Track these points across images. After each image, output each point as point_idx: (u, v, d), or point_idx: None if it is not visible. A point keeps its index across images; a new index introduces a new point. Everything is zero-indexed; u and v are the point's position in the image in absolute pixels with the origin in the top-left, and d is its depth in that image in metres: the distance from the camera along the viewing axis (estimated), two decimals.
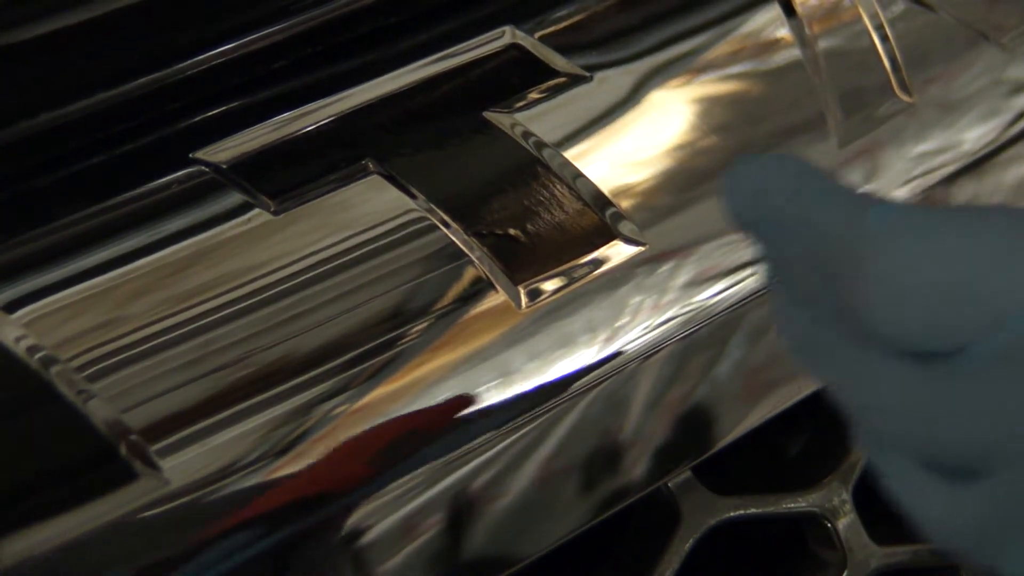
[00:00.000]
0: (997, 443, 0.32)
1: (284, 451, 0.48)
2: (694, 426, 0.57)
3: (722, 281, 0.57)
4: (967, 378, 0.32)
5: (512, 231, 0.55)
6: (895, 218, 0.33)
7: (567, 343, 0.54)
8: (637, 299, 0.56)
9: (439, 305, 0.52)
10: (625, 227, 0.56)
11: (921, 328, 0.32)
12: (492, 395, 0.52)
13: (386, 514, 0.50)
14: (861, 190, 0.35)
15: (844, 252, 0.33)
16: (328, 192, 0.54)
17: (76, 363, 0.48)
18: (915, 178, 0.64)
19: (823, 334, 0.35)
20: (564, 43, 0.62)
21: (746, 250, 0.57)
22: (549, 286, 0.54)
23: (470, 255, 0.53)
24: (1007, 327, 0.31)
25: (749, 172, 0.36)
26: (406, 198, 0.55)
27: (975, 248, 0.32)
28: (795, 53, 0.64)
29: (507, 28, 0.62)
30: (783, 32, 0.65)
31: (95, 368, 0.48)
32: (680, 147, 0.60)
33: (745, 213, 0.36)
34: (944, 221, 0.33)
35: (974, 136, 0.66)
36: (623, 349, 0.55)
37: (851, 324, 0.34)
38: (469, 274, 0.53)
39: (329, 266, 0.52)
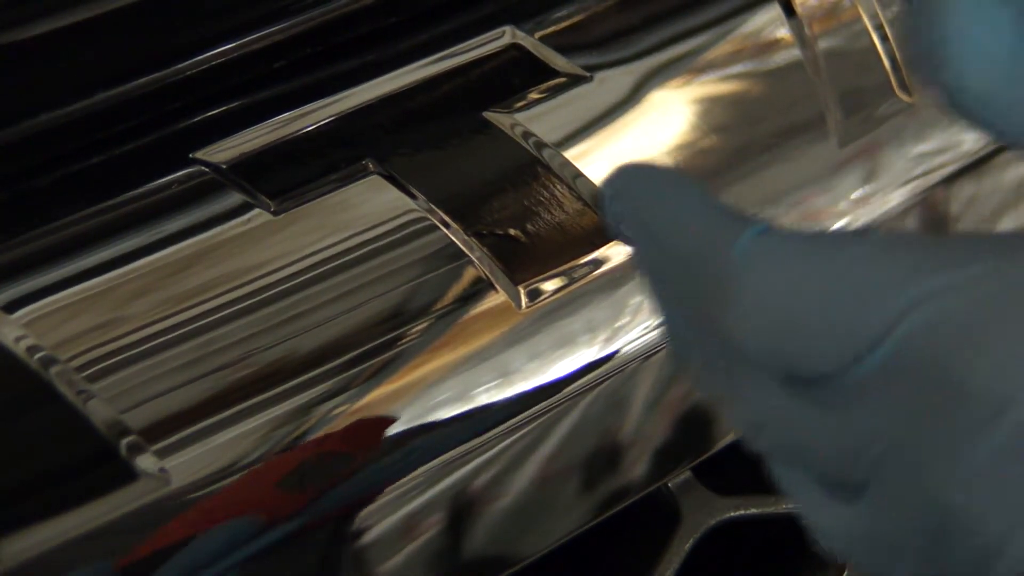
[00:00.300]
0: (868, 464, 0.32)
1: (284, 451, 0.48)
2: (694, 426, 0.57)
3: None
4: (834, 404, 0.32)
5: (512, 231, 0.55)
6: (761, 246, 0.33)
7: (567, 343, 0.54)
8: (637, 299, 0.56)
9: (439, 305, 0.52)
10: None
11: (784, 357, 0.33)
12: (492, 395, 0.52)
13: (386, 514, 0.50)
14: (740, 210, 0.35)
15: (711, 277, 0.33)
16: (328, 192, 0.54)
17: (76, 363, 0.48)
18: (915, 178, 0.64)
19: (703, 350, 0.35)
20: (564, 43, 0.62)
21: None
22: (549, 286, 0.54)
23: (470, 255, 0.53)
24: (866, 357, 0.32)
25: (626, 182, 0.36)
26: (406, 198, 0.55)
27: (837, 278, 0.32)
28: (795, 53, 0.64)
29: (507, 28, 0.62)
30: (783, 32, 0.65)
31: (95, 368, 0.48)
32: (680, 147, 0.60)
33: (621, 225, 0.36)
34: (811, 249, 0.33)
35: (974, 136, 0.66)
36: (623, 349, 0.55)
37: (723, 346, 0.34)
38: (469, 274, 0.53)
39: (329, 266, 0.52)
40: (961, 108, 0.33)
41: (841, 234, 0.33)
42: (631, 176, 0.36)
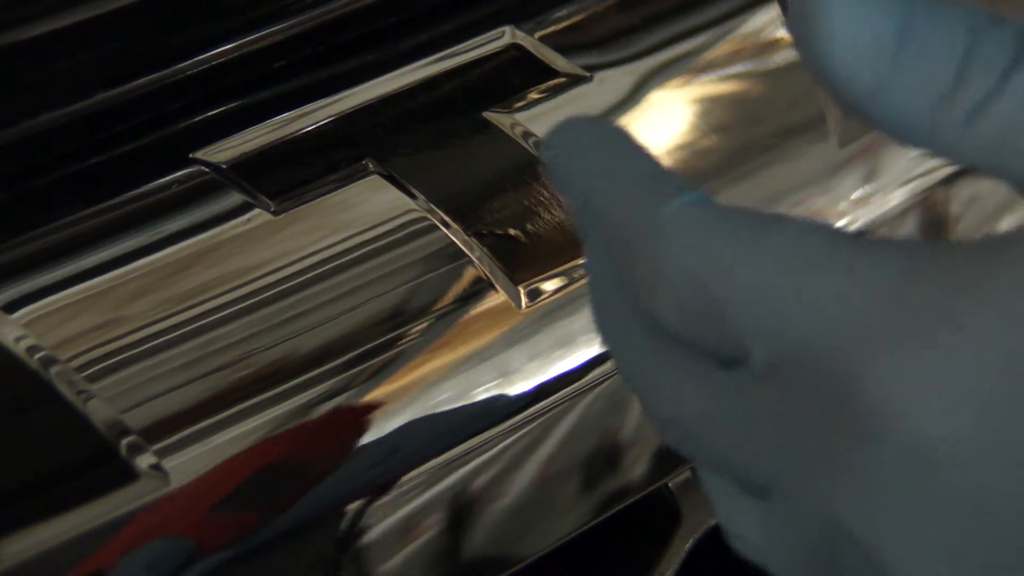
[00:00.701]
0: (767, 469, 0.31)
1: (281, 448, 0.48)
2: None
3: None
4: (742, 391, 0.31)
5: (512, 231, 0.55)
6: (688, 215, 0.32)
7: (567, 343, 0.54)
8: None
9: (439, 305, 0.52)
10: None
11: (696, 330, 0.32)
12: (492, 395, 0.52)
13: (386, 514, 0.50)
14: (676, 176, 0.34)
15: (637, 240, 0.33)
16: (328, 192, 0.54)
17: (76, 363, 0.48)
18: (915, 178, 0.64)
19: (624, 321, 0.34)
20: (564, 43, 0.62)
21: None
22: (549, 286, 0.54)
23: (470, 255, 0.53)
24: (760, 354, 0.31)
25: (566, 135, 0.35)
26: (406, 198, 0.55)
27: (745, 266, 0.31)
28: (795, 53, 0.64)
29: (507, 28, 0.62)
30: (783, 32, 0.65)
31: (95, 368, 0.48)
32: (680, 147, 0.60)
33: (558, 179, 0.35)
34: (731, 229, 0.32)
35: None
36: None
37: (643, 316, 0.33)
38: (469, 274, 0.53)
39: (329, 266, 0.52)
40: (850, 103, 0.32)
41: (765, 218, 0.32)
42: (571, 129, 0.35)
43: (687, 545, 0.59)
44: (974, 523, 0.28)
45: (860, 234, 0.31)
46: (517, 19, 0.63)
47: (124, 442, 0.46)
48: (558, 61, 0.61)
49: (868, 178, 0.63)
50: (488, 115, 0.58)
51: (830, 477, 0.30)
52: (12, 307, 0.49)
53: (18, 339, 0.48)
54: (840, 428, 0.29)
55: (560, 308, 0.54)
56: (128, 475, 0.46)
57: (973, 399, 0.28)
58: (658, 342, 0.33)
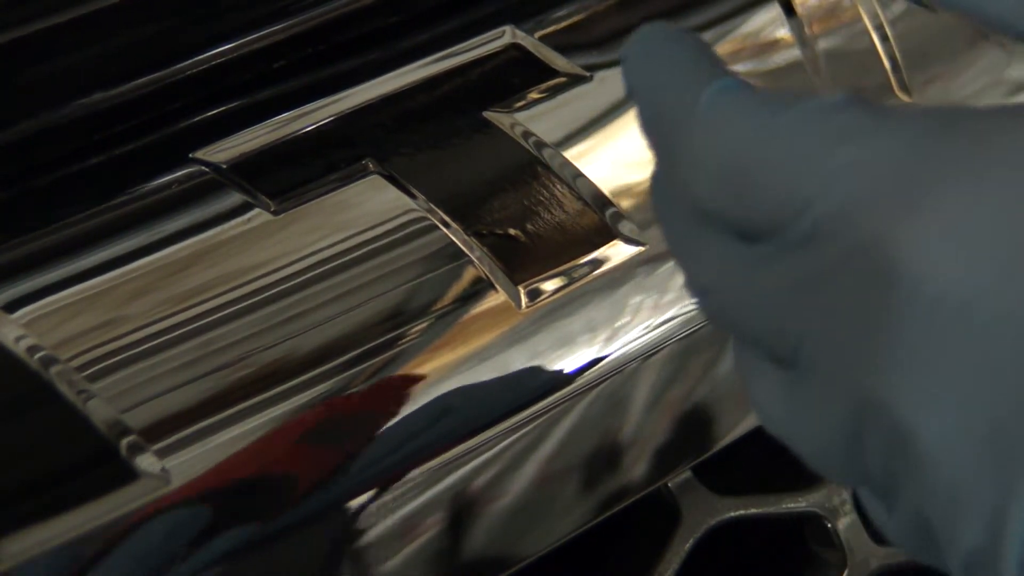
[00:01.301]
0: (794, 338, 0.32)
1: (286, 447, 0.48)
2: (694, 426, 0.57)
3: None
4: (769, 268, 0.32)
5: (512, 231, 0.55)
6: (722, 99, 0.34)
7: (567, 343, 0.54)
8: (637, 299, 0.56)
9: (439, 305, 0.52)
10: (625, 227, 0.56)
11: (728, 207, 0.33)
12: (492, 395, 0.52)
13: (386, 514, 0.50)
14: (718, 63, 0.35)
15: (678, 125, 0.34)
16: (328, 192, 0.54)
17: (76, 363, 0.48)
18: None
19: (668, 201, 0.35)
20: (564, 43, 0.62)
21: None
22: (549, 286, 0.54)
23: (470, 255, 0.53)
24: (790, 225, 0.31)
25: (637, 38, 0.37)
26: (406, 198, 0.55)
27: (773, 140, 0.32)
28: (795, 53, 0.64)
29: (507, 28, 0.62)
30: (783, 32, 0.65)
31: (95, 368, 0.48)
32: None
33: (629, 81, 0.37)
34: (761, 107, 0.33)
35: None
36: (623, 349, 0.55)
37: (682, 195, 0.34)
38: (469, 274, 0.53)
39: (329, 266, 0.52)
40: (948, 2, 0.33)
41: (794, 95, 0.33)
42: (637, 36, 0.37)
43: (687, 545, 0.59)
44: (1002, 383, 0.28)
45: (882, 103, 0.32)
46: (517, 19, 0.63)
47: (124, 442, 0.47)
48: (558, 61, 0.61)
49: None
50: (488, 115, 0.58)
51: (858, 343, 0.30)
52: (12, 307, 0.49)
53: (18, 339, 0.48)
54: (868, 293, 0.30)
55: (560, 308, 0.54)
56: (128, 475, 0.46)
57: (995, 252, 0.28)
58: (699, 220, 0.34)
